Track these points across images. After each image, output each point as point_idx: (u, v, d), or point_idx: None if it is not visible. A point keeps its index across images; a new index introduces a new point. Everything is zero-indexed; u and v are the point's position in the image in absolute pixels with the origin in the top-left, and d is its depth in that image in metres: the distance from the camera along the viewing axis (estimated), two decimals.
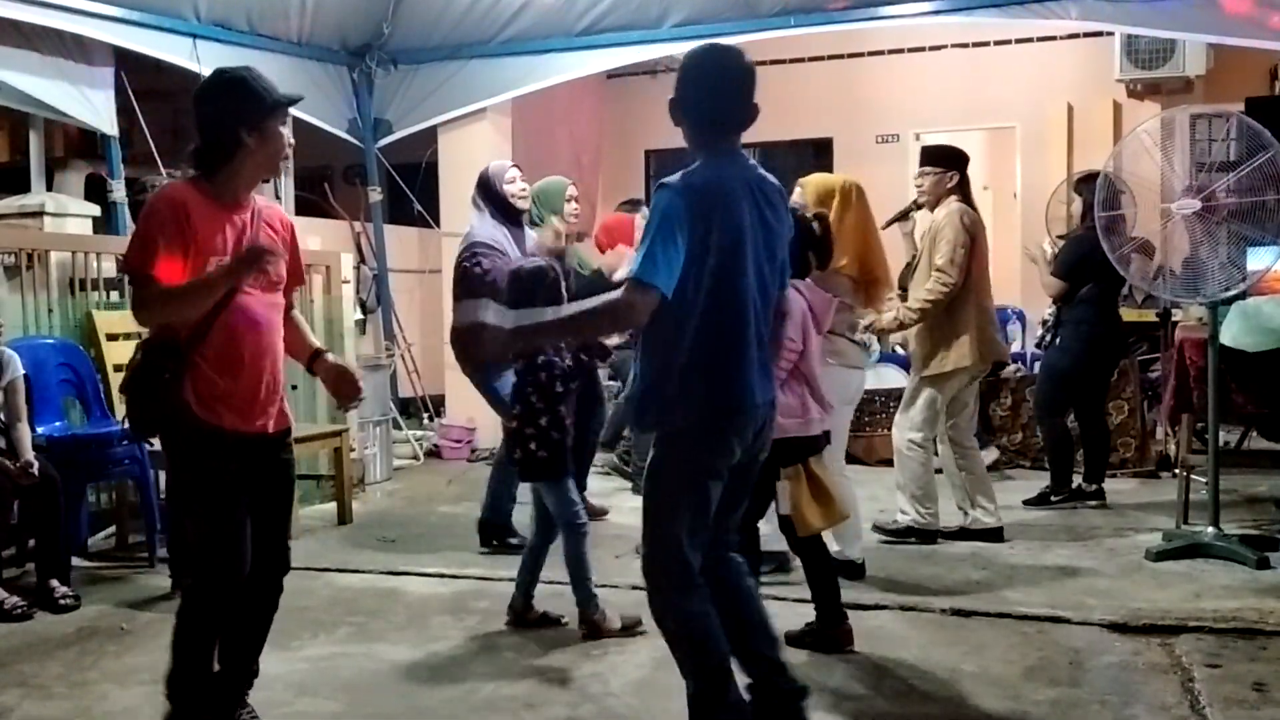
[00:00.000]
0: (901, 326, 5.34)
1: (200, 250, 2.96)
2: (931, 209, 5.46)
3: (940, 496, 5.41)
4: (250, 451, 3.08)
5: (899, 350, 8.04)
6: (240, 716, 3.25)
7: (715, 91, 2.99)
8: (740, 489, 3.16)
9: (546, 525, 4.27)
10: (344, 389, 3.31)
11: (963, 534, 5.39)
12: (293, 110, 7.73)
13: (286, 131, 3.13)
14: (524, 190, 5.40)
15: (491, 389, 5.20)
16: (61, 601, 4.54)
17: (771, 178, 3.10)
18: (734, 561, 3.21)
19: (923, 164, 5.50)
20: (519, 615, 4.30)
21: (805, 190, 4.68)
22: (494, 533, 5.39)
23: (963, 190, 5.41)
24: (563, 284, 4.26)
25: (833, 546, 4.85)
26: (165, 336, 3.00)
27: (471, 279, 5.18)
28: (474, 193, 5.43)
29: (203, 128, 3.06)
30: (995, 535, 5.37)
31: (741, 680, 3.11)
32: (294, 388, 6.76)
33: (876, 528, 5.42)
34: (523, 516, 5.04)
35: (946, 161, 5.45)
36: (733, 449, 3.00)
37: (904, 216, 5.67)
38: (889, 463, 7.35)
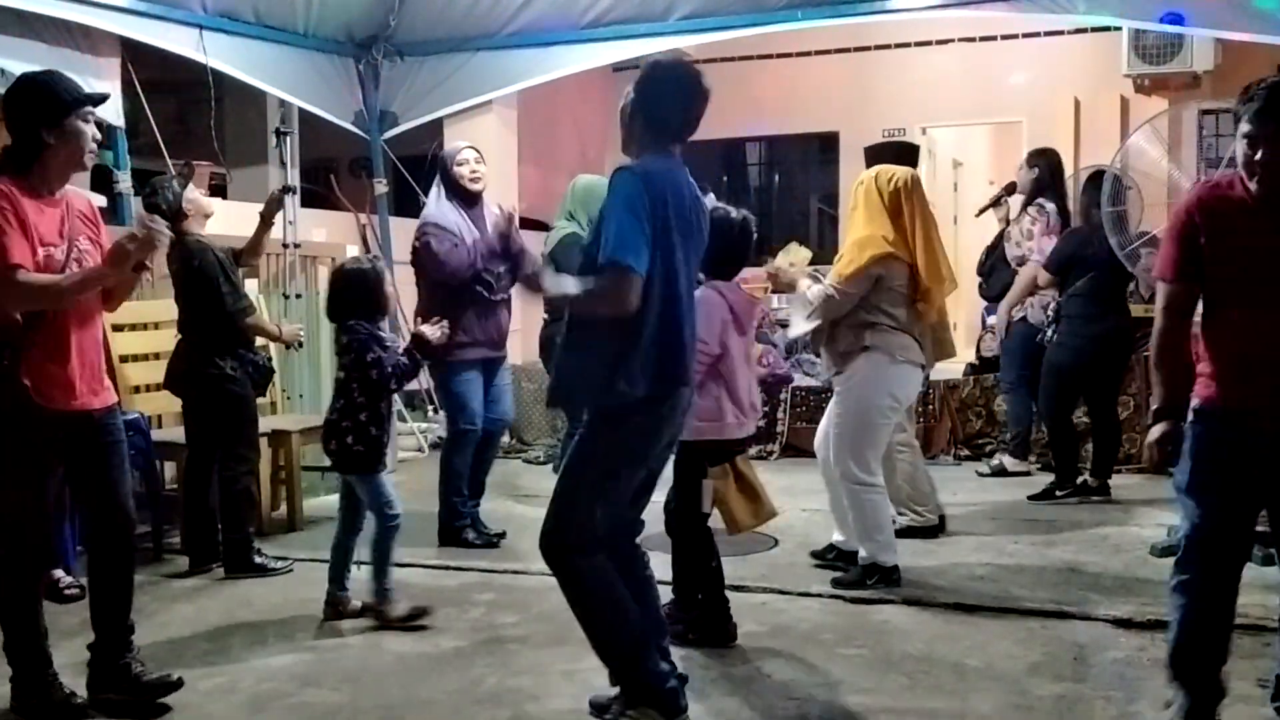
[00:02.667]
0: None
1: (36, 241, 3.20)
2: None
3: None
4: (75, 427, 3.33)
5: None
6: (127, 662, 3.43)
7: (676, 105, 3.19)
8: (653, 476, 3.31)
9: (353, 517, 4.32)
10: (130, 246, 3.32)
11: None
12: (299, 102, 7.81)
13: (91, 129, 3.33)
14: (475, 173, 5.41)
15: (450, 384, 5.30)
16: (66, 592, 4.55)
17: (693, 182, 3.26)
18: (638, 551, 3.35)
19: (868, 168, 5.38)
20: (335, 608, 4.31)
21: (863, 179, 4.72)
22: (450, 534, 5.38)
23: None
24: (385, 285, 4.31)
25: (835, 537, 4.83)
26: (1, 325, 3.21)
27: (423, 257, 5.31)
28: (436, 174, 5.53)
29: (9, 128, 3.32)
30: (930, 532, 5.35)
31: None
32: (300, 396, 6.81)
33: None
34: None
35: (882, 159, 5.29)
36: (662, 432, 3.17)
37: (996, 203, 5.55)
38: None
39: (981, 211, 5.70)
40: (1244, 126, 2.86)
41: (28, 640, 3.36)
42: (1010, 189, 6.61)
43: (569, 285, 3.17)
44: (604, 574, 3.15)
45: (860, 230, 4.61)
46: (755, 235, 4.16)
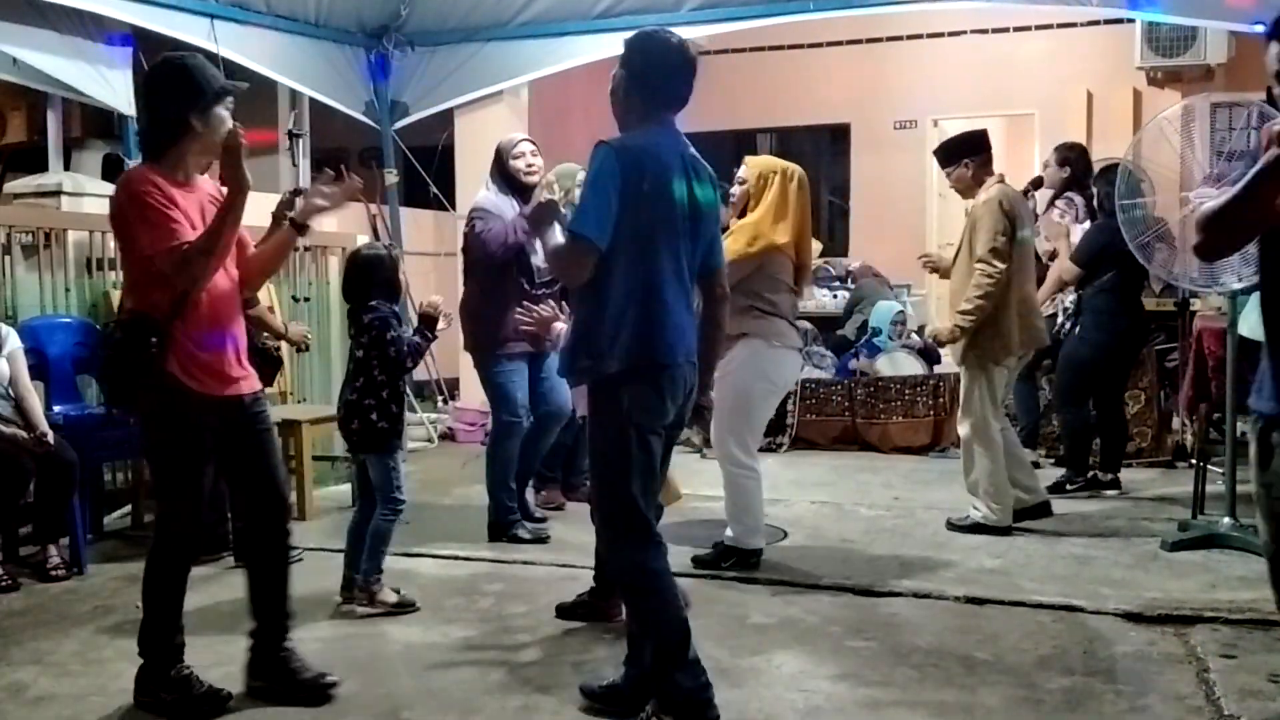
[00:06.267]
0: (962, 333, 5.16)
1: (187, 225, 3.16)
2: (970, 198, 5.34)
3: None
4: (228, 412, 3.31)
5: (919, 338, 8.02)
6: (285, 654, 3.47)
7: (666, 72, 3.20)
8: (664, 456, 3.26)
9: (370, 503, 4.35)
10: (321, 200, 3.36)
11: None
12: (310, 92, 7.80)
13: (227, 116, 3.25)
14: (532, 165, 5.34)
15: (491, 376, 5.27)
16: (53, 573, 4.60)
17: (700, 159, 3.27)
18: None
19: (942, 168, 5.42)
20: (351, 594, 4.33)
21: (749, 166, 4.83)
22: (500, 530, 5.32)
23: (988, 169, 5.30)
24: (400, 269, 4.44)
25: (726, 533, 4.80)
26: (146, 313, 3.19)
27: (470, 241, 5.31)
28: (491, 165, 5.50)
29: (150, 112, 3.30)
30: (1042, 510, 5.42)
31: None
32: (304, 400, 6.83)
33: (950, 524, 5.35)
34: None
35: (954, 155, 5.34)
36: (665, 404, 3.13)
37: (1024, 196, 5.56)
38: (904, 450, 7.40)
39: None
40: None
41: (168, 632, 3.34)
42: (1036, 184, 6.50)
43: (556, 237, 3.23)
44: (652, 575, 3.10)
45: (755, 215, 4.72)
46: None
